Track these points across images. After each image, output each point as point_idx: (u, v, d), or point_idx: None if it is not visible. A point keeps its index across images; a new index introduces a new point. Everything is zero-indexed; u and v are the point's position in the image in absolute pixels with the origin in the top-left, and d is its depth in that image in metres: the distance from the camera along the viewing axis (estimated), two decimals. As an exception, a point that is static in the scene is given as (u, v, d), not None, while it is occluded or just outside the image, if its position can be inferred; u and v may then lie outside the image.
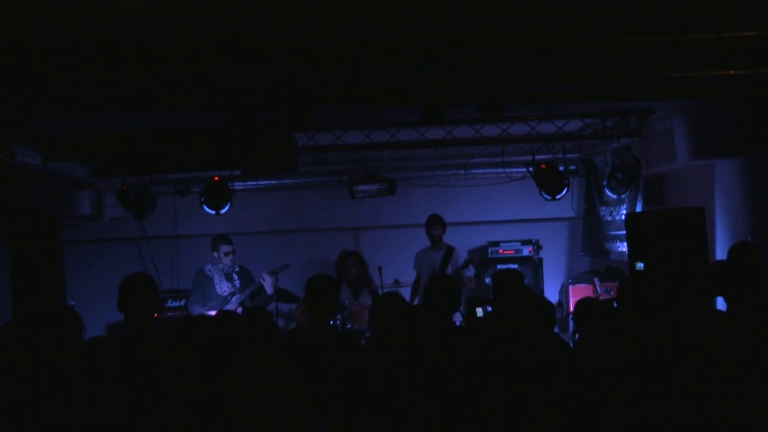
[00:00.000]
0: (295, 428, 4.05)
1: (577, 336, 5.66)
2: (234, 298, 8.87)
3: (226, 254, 8.98)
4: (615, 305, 5.50)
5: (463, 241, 10.43)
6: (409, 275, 10.13)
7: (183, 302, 9.93)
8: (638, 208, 9.37)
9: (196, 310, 8.76)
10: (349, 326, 8.60)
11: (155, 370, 4.35)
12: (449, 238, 9.96)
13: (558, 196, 9.50)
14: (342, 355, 4.72)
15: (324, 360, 4.59)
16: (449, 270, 9.51)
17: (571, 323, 9.92)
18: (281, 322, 9.70)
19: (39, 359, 4.66)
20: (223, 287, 8.95)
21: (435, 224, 9.67)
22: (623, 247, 9.59)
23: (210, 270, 9.00)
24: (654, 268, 7.36)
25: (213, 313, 8.69)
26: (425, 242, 9.88)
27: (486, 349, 4.88)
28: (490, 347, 4.89)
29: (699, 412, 4.12)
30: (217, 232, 9.22)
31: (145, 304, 4.57)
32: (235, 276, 9.00)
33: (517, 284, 5.72)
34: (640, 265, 7.57)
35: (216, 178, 9.26)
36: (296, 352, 4.75)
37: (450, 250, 9.67)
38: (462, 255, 9.70)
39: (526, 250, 10.98)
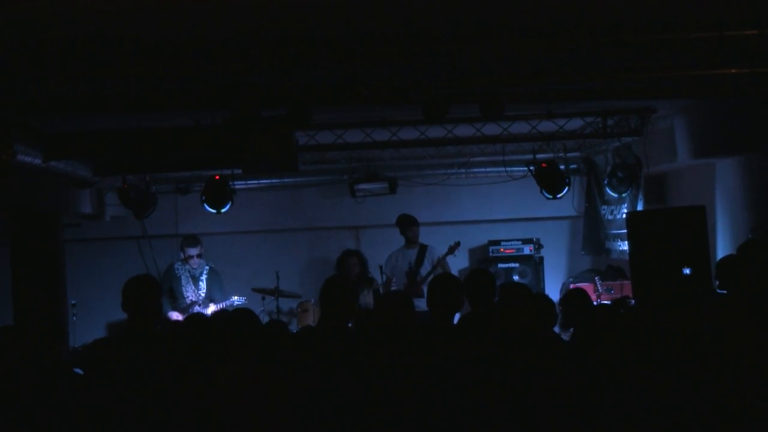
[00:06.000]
0: (299, 428, 4.06)
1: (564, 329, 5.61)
2: (194, 310, 8.77)
3: (190, 257, 9.07)
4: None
5: (463, 240, 10.40)
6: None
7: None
8: (639, 207, 9.36)
9: (165, 309, 8.68)
10: (350, 324, 8.58)
11: (158, 369, 4.35)
12: (451, 236, 9.96)
13: (559, 195, 9.49)
14: (353, 354, 4.70)
15: (337, 360, 4.58)
16: (426, 264, 9.68)
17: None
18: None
19: (39, 359, 4.67)
20: (188, 291, 8.88)
21: (412, 225, 9.87)
22: (624, 246, 9.59)
23: (178, 268, 9.05)
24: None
25: (176, 317, 8.62)
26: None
27: (486, 348, 4.87)
28: (491, 347, 4.88)
29: (700, 411, 4.12)
30: (218, 231, 9.15)
31: (149, 306, 4.57)
32: (201, 281, 8.96)
33: (492, 286, 5.59)
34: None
35: (217, 177, 9.25)
36: (307, 352, 4.75)
37: (424, 247, 9.86)
38: (437, 250, 9.80)
39: (527, 249, 11.01)
